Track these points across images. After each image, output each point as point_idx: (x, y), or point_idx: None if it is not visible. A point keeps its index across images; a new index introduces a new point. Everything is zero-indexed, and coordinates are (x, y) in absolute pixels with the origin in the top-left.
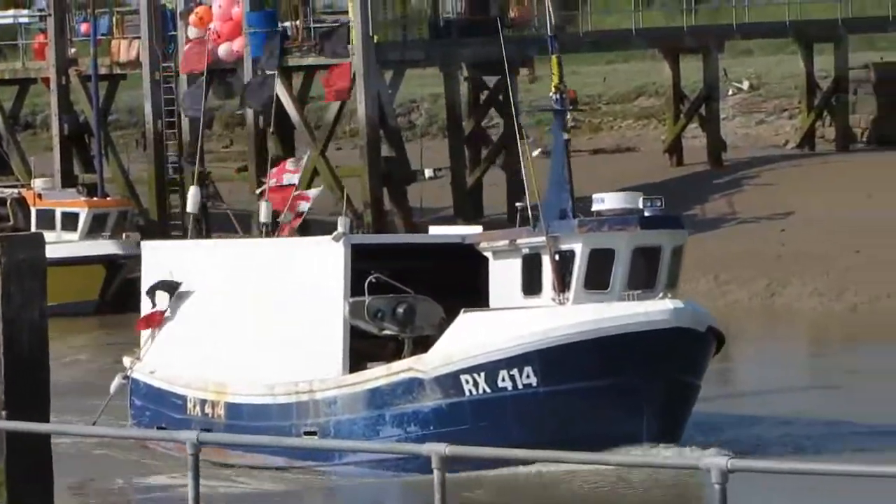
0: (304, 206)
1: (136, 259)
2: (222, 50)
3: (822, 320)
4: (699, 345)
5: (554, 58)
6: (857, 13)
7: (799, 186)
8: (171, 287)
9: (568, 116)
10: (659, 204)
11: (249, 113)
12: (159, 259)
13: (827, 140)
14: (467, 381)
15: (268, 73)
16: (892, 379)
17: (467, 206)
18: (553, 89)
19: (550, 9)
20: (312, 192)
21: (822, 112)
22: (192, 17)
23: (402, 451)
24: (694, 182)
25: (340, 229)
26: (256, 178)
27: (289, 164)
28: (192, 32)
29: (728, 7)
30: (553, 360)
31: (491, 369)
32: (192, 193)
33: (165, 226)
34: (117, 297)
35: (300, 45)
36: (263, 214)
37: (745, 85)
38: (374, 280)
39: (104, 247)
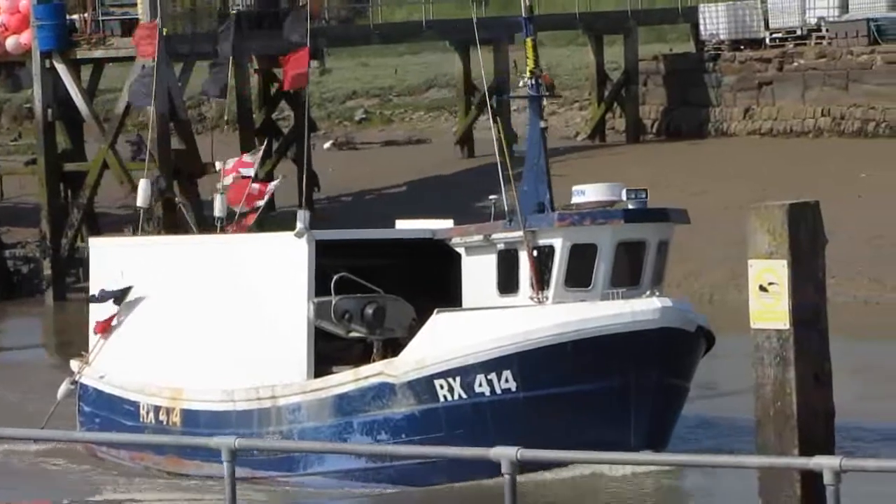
0: (261, 200)
1: None
2: (10, 43)
3: None
4: (688, 346)
5: (528, 41)
6: (646, 5)
7: (590, 178)
8: (121, 294)
9: (544, 102)
10: (643, 196)
11: (38, 106)
12: (108, 258)
13: (617, 131)
14: (442, 387)
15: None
16: None
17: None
18: (528, 74)
19: None
20: (271, 185)
21: (613, 103)
22: None
23: (191, 443)
24: (485, 174)
25: (300, 225)
26: (46, 172)
27: (245, 156)
28: None
29: None
30: (533, 363)
31: (467, 374)
32: (143, 187)
33: None
34: None
35: (89, 38)
36: (217, 209)
37: None
38: (341, 279)
39: None
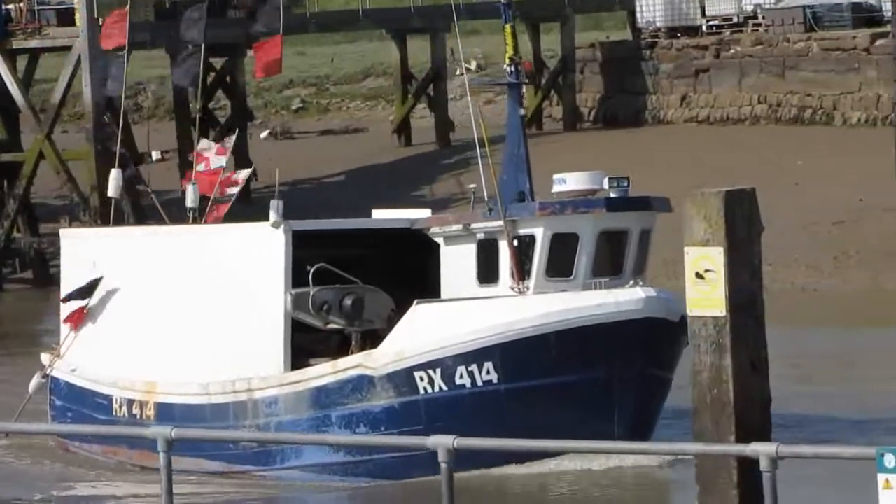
0: (233, 189)
1: None
2: None
3: None
4: (672, 336)
5: (507, 28)
6: None
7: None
8: (91, 287)
9: (523, 90)
10: (625, 184)
11: None
12: (80, 249)
13: (554, 119)
14: (422, 379)
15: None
16: None
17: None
18: (507, 61)
19: None
20: (242, 175)
21: (550, 91)
22: None
23: (127, 433)
24: (423, 162)
25: (274, 214)
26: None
27: (218, 146)
28: None
29: None
30: (515, 354)
31: (448, 365)
32: (114, 176)
33: None
34: None
35: (24, 28)
36: (190, 199)
37: (473, 65)
38: (318, 269)
39: None
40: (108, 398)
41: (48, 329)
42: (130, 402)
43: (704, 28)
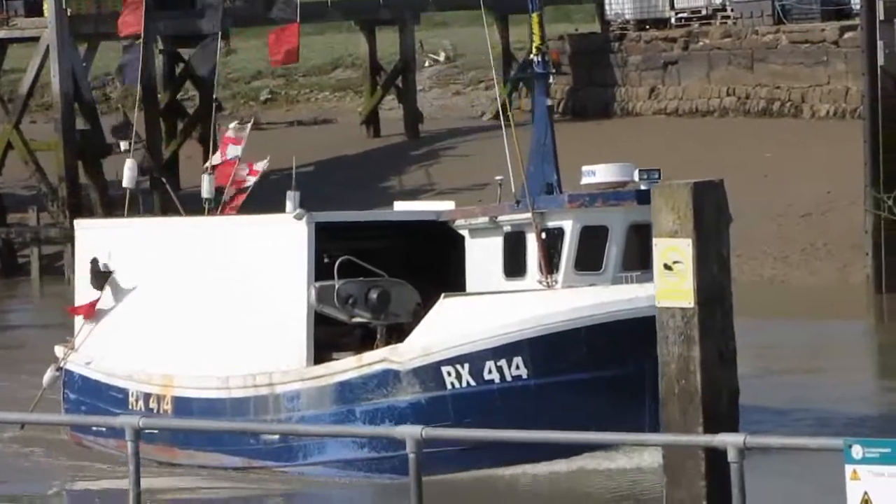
0: (250, 180)
1: None
2: None
3: None
4: None
5: (535, 16)
6: None
7: (496, 158)
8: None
9: (551, 80)
10: (656, 176)
11: None
12: (95, 240)
13: (523, 111)
14: (449, 374)
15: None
16: None
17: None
18: (534, 51)
19: None
20: (260, 166)
21: (519, 83)
22: None
23: (97, 422)
24: (391, 153)
25: (290, 205)
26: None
27: (229, 133)
28: None
29: None
30: (545, 349)
31: (476, 360)
32: (129, 167)
33: None
34: None
35: None
36: (205, 190)
37: (441, 56)
38: (343, 262)
39: None
40: (124, 392)
41: (14, 320)
42: (147, 396)
43: (673, 20)
